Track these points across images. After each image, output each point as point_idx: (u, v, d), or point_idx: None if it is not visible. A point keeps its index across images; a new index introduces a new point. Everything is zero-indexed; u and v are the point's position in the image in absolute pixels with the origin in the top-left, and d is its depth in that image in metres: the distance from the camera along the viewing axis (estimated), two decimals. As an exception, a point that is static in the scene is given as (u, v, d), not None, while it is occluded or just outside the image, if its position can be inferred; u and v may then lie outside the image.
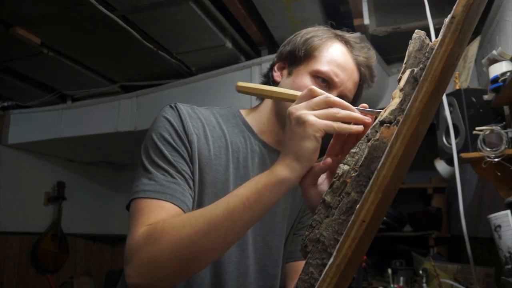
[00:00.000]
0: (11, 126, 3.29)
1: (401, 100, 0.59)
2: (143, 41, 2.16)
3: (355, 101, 0.92)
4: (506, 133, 1.27)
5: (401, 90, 0.60)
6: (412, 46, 0.64)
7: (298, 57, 0.89)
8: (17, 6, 1.92)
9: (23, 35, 2.11)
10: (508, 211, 1.16)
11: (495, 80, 1.33)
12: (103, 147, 3.39)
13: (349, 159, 0.61)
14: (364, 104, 0.68)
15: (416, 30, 0.64)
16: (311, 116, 0.62)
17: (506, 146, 1.26)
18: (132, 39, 2.13)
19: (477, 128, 1.32)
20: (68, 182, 3.74)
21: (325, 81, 0.86)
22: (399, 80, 0.62)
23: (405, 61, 0.63)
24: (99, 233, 4.07)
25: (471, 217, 2.14)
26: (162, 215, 0.68)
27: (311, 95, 0.65)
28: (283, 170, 0.64)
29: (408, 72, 0.60)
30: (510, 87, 1.22)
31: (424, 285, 1.85)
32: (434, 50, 0.51)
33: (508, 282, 1.13)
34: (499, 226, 1.18)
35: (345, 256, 0.53)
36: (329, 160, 0.67)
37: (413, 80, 0.59)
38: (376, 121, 0.61)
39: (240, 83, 0.72)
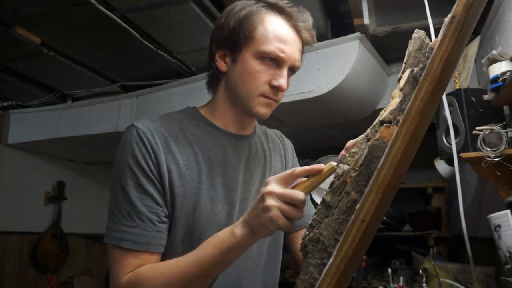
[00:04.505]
0: (11, 126, 3.28)
1: (401, 100, 0.59)
2: (143, 41, 2.16)
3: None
4: (506, 133, 1.27)
5: (401, 89, 0.60)
6: (412, 45, 0.64)
7: (238, 42, 0.85)
8: (17, 6, 1.92)
9: (23, 35, 2.11)
10: (508, 211, 1.16)
11: (495, 80, 1.33)
12: (103, 147, 3.38)
13: (349, 158, 0.61)
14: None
15: (416, 30, 0.64)
16: (275, 211, 0.65)
17: (506, 146, 1.26)
18: (132, 39, 2.13)
19: (477, 128, 1.32)
20: (68, 182, 3.73)
21: (273, 60, 0.85)
22: (399, 79, 0.62)
23: (405, 60, 0.63)
24: (99, 233, 4.02)
25: (471, 217, 2.14)
26: (136, 263, 0.77)
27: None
28: (242, 237, 0.70)
29: (408, 71, 0.60)
30: (510, 87, 1.22)
31: (424, 285, 1.85)
32: (434, 50, 0.51)
33: (508, 282, 1.13)
34: (499, 226, 1.18)
35: (345, 256, 0.53)
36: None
37: (413, 80, 0.59)
38: (376, 120, 0.61)
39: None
